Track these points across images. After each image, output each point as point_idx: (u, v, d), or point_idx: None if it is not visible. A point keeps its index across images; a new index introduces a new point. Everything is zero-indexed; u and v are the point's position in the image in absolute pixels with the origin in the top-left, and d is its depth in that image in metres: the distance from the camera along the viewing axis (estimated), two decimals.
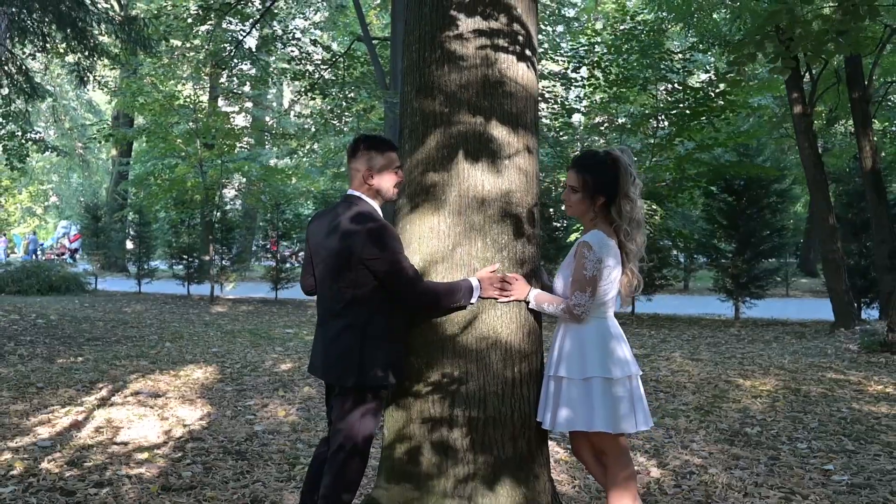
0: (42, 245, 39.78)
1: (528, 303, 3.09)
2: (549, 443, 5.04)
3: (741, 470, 4.67)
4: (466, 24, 3.09)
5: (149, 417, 5.77)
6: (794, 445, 5.22)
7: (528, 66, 3.18)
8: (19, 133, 19.86)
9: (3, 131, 19.58)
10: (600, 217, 3.07)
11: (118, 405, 6.13)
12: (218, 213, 18.82)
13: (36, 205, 47.48)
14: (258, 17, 15.76)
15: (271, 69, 20.36)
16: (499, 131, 3.09)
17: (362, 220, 2.94)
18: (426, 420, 3.04)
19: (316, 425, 5.61)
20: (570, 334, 3.02)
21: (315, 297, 3.21)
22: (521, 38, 3.14)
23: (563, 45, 19.25)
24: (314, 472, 3.15)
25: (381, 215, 3.07)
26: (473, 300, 3.00)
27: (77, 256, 36.14)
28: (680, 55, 12.15)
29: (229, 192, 24.81)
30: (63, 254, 36.54)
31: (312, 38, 21.73)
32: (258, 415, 5.96)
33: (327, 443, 3.10)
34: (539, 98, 12.71)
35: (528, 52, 3.17)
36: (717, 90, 11.47)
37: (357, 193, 3.08)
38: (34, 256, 33.18)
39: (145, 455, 4.79)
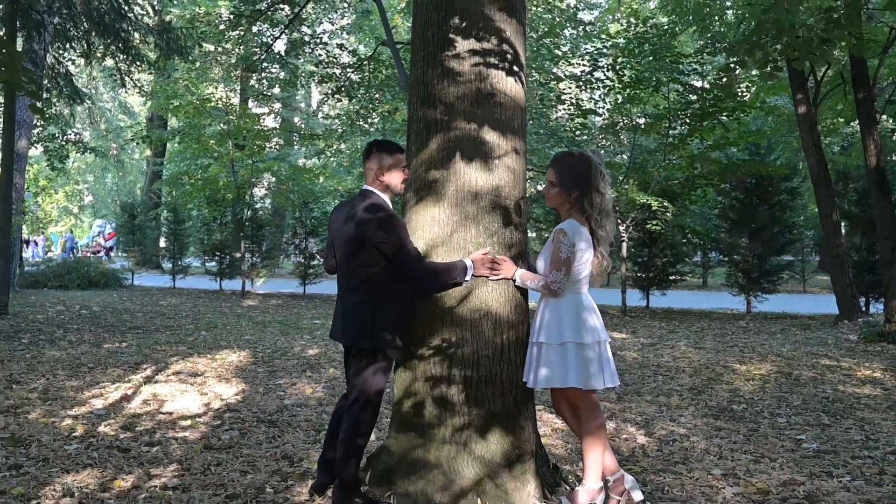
0: (77, 243, 40.95)
1: (514, 280, 3.63)
2: (549, 415, 5.61)
3: (720, 439, 5.15)
4: (463, 45, 3.64)
5: (189, 393, 6.40)
6: (775, 420, 5.67)
7: (515, 80, 3.72)
8: (59, 135, 20.74)
9: (44, 133, 20.47)
10: (575, 208, 3.61)
11: (162, 382, 6.78)
12: (248, 212, 19.45)
13: (72, 204, 48.71)
14: (287, 22, 16.37)
15: (300, 72, 20.95)
16: (490, 136, 3.64)
17: (374, 210, 3.52)
18: (428, 379, 3.60)
19: None
20: (550, 307, 3.57)
21: (336, 276, 3.79)
22: (509, 56, 3.69)
23: (586, 46, 19.60)
24: (335, 424, 3.73)
25: (391, 207, 3.64)
26: (468, 278, 3.55)
27: (112, 254, 37.25)
28: (689, 58, 12.55)
29: (259, 191, 25.45)
30: (98, 251, 37.67)
31: (339, 41, 22.31)
32: (287, 391, 6.56)
33: (346, 398, 3.69)
34: (554, 99, 13.13)
35: (515, 69, 3.72)
36: (715, 94, 11.87)
37: (370, 188, 3.67)
38: (71, 254, 34.24)
39: (188, 422, 5.41)
